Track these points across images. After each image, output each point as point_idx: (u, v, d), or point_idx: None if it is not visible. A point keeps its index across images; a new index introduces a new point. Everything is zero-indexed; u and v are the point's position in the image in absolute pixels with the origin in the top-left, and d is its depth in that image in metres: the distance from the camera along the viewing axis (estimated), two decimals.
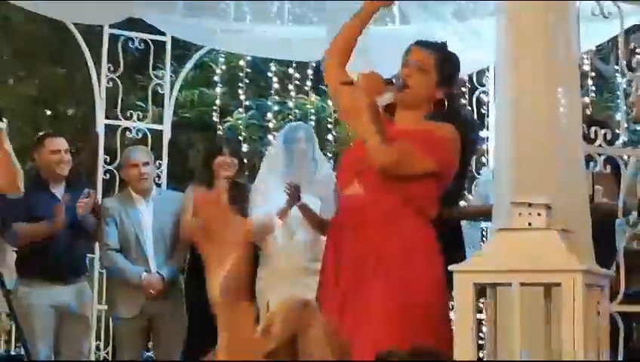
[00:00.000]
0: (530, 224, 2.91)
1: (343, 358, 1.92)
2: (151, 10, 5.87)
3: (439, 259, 3.34)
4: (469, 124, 4.38)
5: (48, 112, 9.07)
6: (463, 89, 5.91)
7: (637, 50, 5.35)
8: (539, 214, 2.90)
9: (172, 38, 6.18)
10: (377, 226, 3.30)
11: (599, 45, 6.05)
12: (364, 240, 3.31)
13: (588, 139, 3.43)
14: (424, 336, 2.99)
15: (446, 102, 3.48)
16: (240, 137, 7.61)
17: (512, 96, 3.33)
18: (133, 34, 6.16)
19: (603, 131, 3.48)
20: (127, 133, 6.15)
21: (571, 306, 2.70)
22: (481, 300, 3.24)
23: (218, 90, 7.32)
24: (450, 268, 2.93)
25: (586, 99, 5.82)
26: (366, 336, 2.93)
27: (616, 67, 5.46)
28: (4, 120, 4.59)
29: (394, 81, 3.38)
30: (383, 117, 3.31)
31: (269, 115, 7.71)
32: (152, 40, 6.23)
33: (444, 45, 3.69)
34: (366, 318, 3.18)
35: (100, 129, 6.00)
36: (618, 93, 6.00)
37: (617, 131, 4.06)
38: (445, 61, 3.51)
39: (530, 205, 2.93)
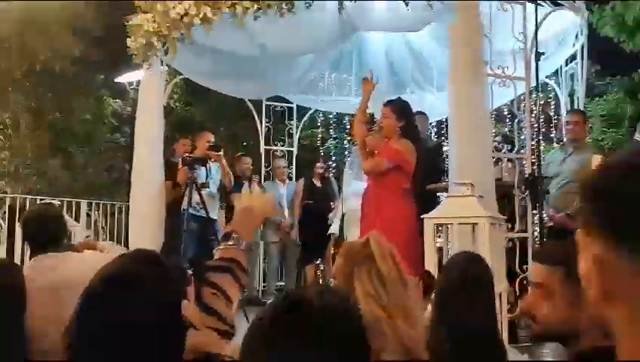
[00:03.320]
0: (463, 193, 4.29)
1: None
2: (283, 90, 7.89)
3: (413, 210, 4.74)
4: (421, 141, 5.30)
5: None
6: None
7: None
8: (467, 188, 4.27)
9: (296, 105, 8.23)
10: (376, 195, 4.88)
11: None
12: (372, 202, 4.90)
13: (498, 149, 4.99)
14: (406, 250, 3.79)
15: (404, 131, 4.88)
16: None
17: (459, 127, 4.73)
18: (277, 103, 8.16)
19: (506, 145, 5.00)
20: (276, 152, 8.09)
21: (484, 234, 4.11)
22: (439, 235, 4.54)
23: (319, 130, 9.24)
24: (422, 216, 4.39)
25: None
26: None
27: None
28: None
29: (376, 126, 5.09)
30: (379, 141, 4.96)
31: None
32: (287, 106, 8.27)
33: (398, 100, 5.17)
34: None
35: (262, 150, 8.06)
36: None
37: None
38: (400, 110, 4.96)
39: (463, 184, 4.31)
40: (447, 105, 5.03)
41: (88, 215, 8.08)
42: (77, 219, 7.43)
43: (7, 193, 8.51)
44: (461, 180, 4.45)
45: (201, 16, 5.28)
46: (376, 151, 5.03)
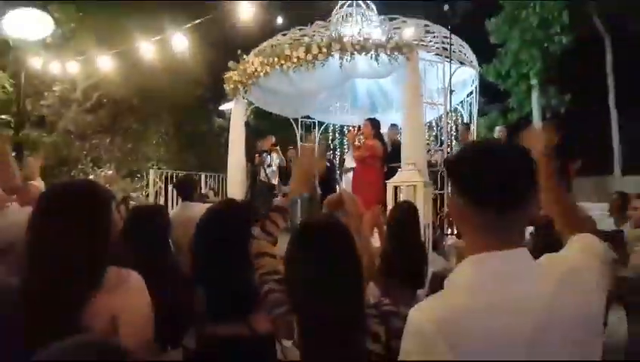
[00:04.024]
0: (409, 169, 4.28)
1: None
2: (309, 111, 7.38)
3: (381, 178, 4.63)
4: (384, 140, 5.07)
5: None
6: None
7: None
8: (411, 166, 4.27)
9: (317, 120, 7.74)
10: (360, 170, 4.81)
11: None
12: (358, 174, 4.84)
13: (429, 144, 4.88)
14: (376, 198, 4.20)
15: (375, 135, 4.80)
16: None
17: (411, 133, 4.53)
18: (306, 119, 7.54)
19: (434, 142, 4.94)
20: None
21: (420, 191, 4.09)
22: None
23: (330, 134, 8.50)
24: (386, 181, 4.39)
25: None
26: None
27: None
28: None
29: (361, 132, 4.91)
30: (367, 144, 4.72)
31: None
32: (312, 121, 7.67)
33: (372, 119, 4.96)
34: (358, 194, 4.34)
35: (299, 146, 7.23)
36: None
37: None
38: (372, 124, 4.83)
39: (409, 163, 4.30)
40: (401, 120, 4.89)
41: (206, 182, 8.05)
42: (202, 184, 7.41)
43: (163, 169, 8.49)
44: (408, 161, 4.40)
45: (264, 71, 5.21)
46: (359, 146, 4.94)
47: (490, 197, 0.70)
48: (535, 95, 11.86)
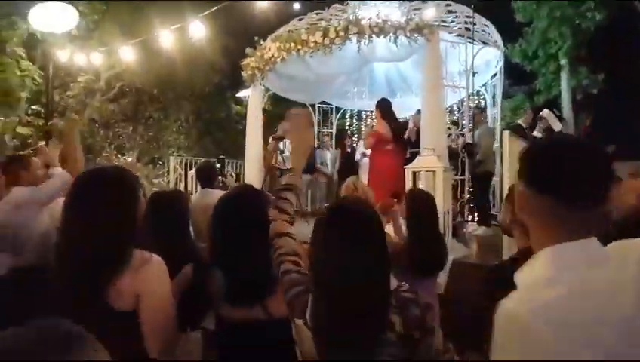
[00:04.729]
0: (428, 154, 4.16)
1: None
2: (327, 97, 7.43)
3: (397, 161, 4.49)
4: (397, 120, 4.85)
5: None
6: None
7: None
8: (431, 151, 4.16)
9: (335, 106, 7.77)
10: (372, 159, 4.73)
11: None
12: (370, 164, 4.78)
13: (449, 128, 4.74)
14: (395, 186, 4.16)
15: (382, 114, 4.60)
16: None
17: (430, 118, 4.44)
18: (323, 105, 7.62)
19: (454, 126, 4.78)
20: (324, 133, 7.48)
21: (439, 177, 3.94)
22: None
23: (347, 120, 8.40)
24: (405, 166, 4.24)
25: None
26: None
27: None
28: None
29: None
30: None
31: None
32: (329, 106, 7.74)
33: (380, 100, 4.74)
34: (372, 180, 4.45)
35: (316, 132, 7.36)
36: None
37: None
38: (379, 105, 4.63)
39: (428, 148, 4.21)
40: (420, 104, 4.77)
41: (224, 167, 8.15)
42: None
43: (183, 156, 8.62)
44: (427, 146, 4.30)
45: (281, 57, 5.19)
46: (370, 133, 4.87)
47: (572, 192, 0.72)
48: (564, 76, 11.34)
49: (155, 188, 5.47)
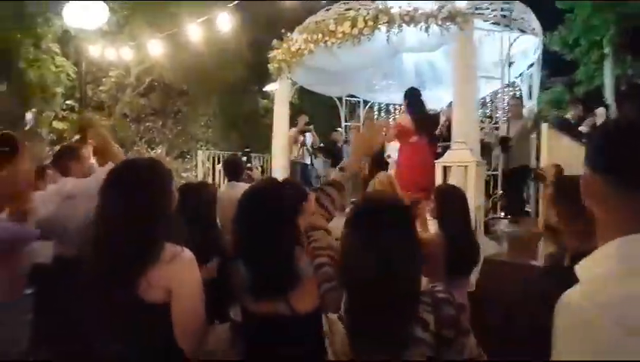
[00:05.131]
0: (459, 148, 4.01)
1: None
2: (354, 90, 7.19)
3: (423, 154, 4.37)
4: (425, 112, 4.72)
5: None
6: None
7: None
8: (461, 144, 4.02)
9: (363, 99, 7.53)
10: (400, 153, 4.63)
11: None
12: (399, 159, 4.67)
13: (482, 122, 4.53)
14: (421, 180, 4.09)
15: (407, 105, 4.48)
16: None
17: (462, 110, 4.22)
18: (351, 98, 7.21)
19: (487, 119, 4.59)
20: (351, 126, 7.21)
21: (472, 172, 3.85)
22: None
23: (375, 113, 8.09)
24: (435, 161, 4.11)
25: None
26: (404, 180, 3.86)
27: None
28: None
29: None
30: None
31: None
32: (356, 100, 7.48)
33: (408, 89, 4.59)
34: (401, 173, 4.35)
35: (343, 125, 7.29)
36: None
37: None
38: (406, 95, 4.52)
39: (459, 142, 4.05)
40: (451, 96, 4.58)
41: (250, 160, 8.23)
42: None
43: (211, 150, 8.77)
44: (458, 140, 4.13)
45: (308, 49, 5.14)
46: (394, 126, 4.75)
47: None
48: (608, 65, 10.69)
49: (183, 182, 5.58)
